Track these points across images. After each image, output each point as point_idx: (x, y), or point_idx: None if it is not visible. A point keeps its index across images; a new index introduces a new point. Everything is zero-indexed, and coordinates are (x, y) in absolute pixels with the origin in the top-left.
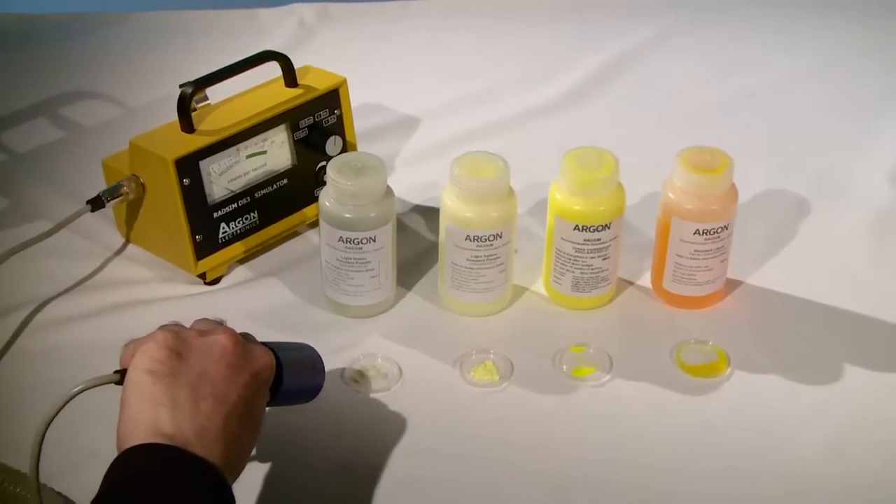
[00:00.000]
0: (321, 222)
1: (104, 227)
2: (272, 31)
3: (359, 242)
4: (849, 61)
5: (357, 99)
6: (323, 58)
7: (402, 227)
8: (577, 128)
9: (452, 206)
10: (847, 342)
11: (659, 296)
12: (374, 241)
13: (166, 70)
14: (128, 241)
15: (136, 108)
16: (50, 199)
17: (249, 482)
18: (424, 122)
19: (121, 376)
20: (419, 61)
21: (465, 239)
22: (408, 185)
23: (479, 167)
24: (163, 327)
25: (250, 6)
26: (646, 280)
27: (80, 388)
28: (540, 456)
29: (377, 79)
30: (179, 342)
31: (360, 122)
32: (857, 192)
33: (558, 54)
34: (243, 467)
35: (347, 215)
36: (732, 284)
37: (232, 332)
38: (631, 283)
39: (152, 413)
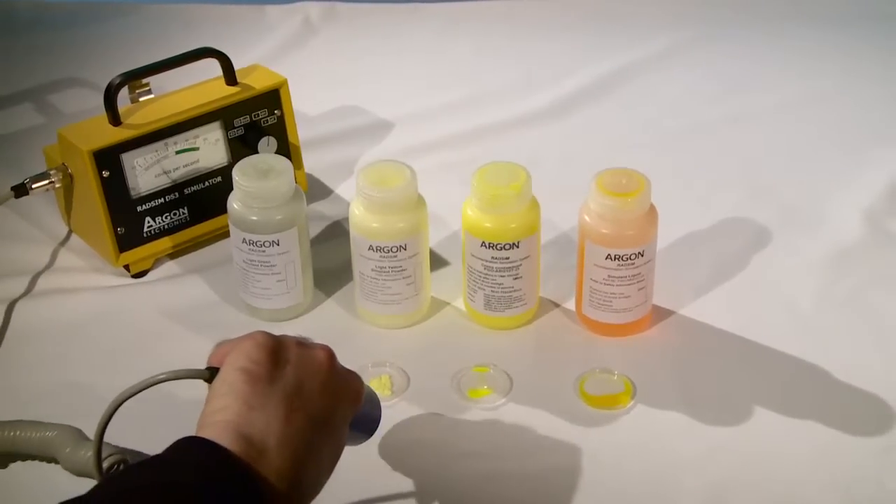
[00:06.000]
0: (229, 223)
1: (54, 214)
2: (277, 27)
3: (262, 245)
4: (858, 88)
5: (344, 98)
6: (321, 56)
7: (343, 232)
8: (556, 140)
9: (359, 216)
10: (763, 384)
11: (581, 321)
12: (278, 244)
13: None
14: (71, 230)
15: (123, 97)
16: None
17: None
18: (406, 125)
19: (211, 374)
20: (417, 65)
21: (369, 249)
22: None
23: (385, 177)
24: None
25: (260, 2)
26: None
27: (165, 375)
28: (409, 478)
29: (369, 79)
30: (279, 346)
31: (339, 121)
32: (826, 225)
33: (559, 65)
34: (320, 489)
35: (253, 217)
36: (663, 313)
37: (329, 349)
38: (558, 306)
39: (240, 410)
